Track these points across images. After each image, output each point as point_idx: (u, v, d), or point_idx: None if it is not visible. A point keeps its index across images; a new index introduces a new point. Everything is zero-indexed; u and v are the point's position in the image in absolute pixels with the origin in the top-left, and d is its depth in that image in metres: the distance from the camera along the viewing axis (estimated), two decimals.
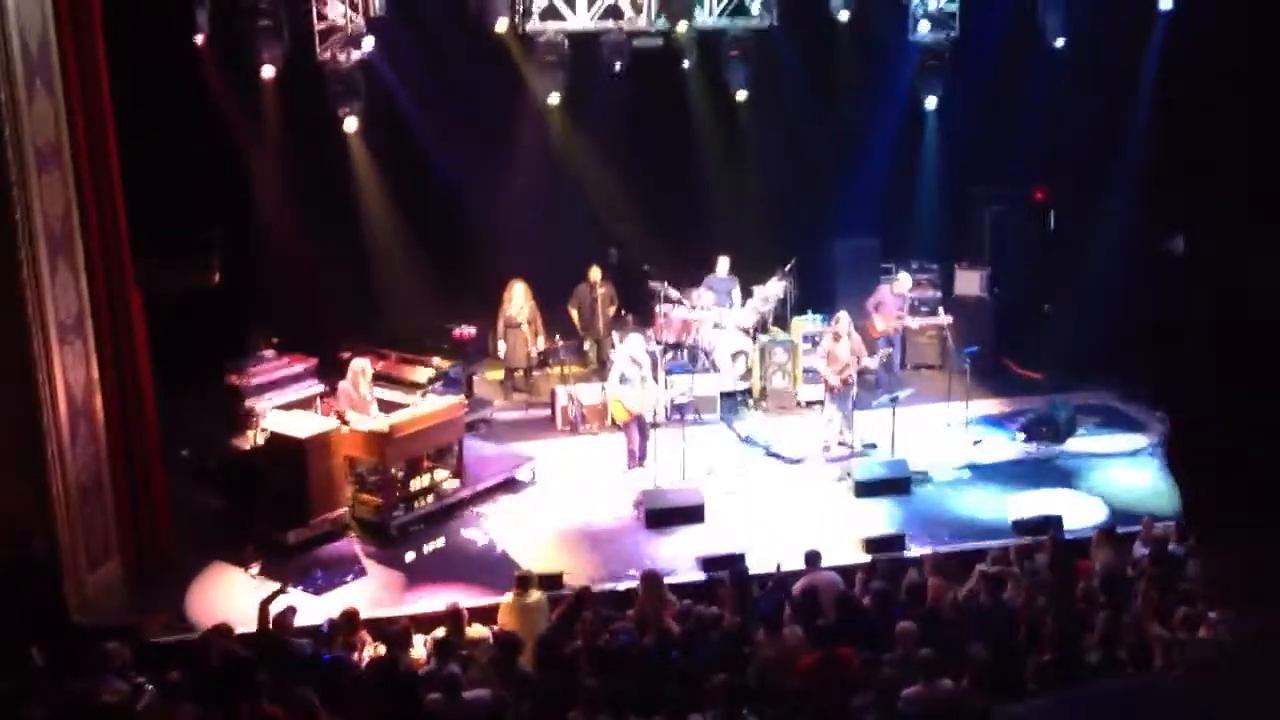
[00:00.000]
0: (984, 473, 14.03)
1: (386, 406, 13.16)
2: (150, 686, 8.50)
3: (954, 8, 17.10)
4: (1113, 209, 16.74)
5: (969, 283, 17.31)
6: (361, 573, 11.90)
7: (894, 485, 13.46)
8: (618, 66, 16.23)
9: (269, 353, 13.91)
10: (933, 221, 17.94)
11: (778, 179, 17.91)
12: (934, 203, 18.04)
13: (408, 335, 15.15)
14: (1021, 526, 11.99)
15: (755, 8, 16.79)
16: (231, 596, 11.26)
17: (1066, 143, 17.34)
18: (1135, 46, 16.74)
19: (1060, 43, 16.70)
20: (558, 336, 16.28)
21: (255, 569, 11.54)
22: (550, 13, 16.13)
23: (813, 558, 10.63)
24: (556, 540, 12.52)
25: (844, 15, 16.56)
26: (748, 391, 15.99)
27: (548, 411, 15.41)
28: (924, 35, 17.13)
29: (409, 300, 16.58)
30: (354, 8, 14.91)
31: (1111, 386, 15.89)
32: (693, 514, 12.81)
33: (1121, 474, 13.84)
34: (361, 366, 13.16)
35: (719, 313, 16.13)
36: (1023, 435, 14.78)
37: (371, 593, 11.47)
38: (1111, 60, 16.81)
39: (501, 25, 15.55)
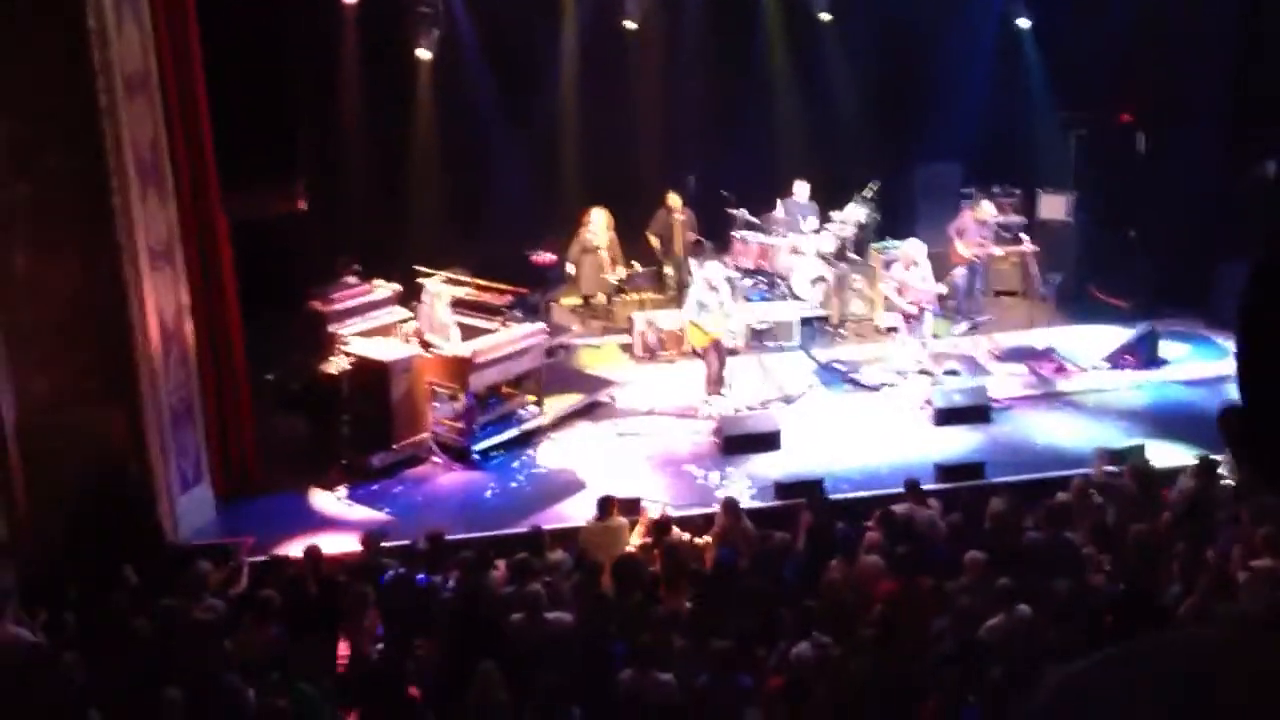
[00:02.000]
0: (1067, 401, 13.89)
1: (468, 332, 13.28)
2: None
3: None
4: (1202, 133, 16.31)
5: (1053, 207, 17.02)
6: (439, 495, 12.10)
7: (973, 413, 13.37)
8: None
9: (352, 279, 14.05)
10: (1017, 145, 17.58)
11: (859, 102, 17.65)
12: (1019, 125, 17.65)
13: (489, 261, 15.22)
14: (1105, 455, 11.81)
15: None
16: (319, 518, 11.53)
17: (1155, 65, 16.86)
18: None
19: None
20: (634, 263, 16.28)
21: (342, 491, 11.77)
22: None
23: (912, 485, 10.60)
24: (636, 465, 12.61)
25: None
26: (826, 318, 15.92)
27: (627, 338, 15.46)
28: None
29: (489, 227, 16.64)
30: None
31: (1198, 313, 15.60)
32: (770, 440, 12.83)
33: (1209, 400, 13.62)
34: (437, 289, 13.27)
35: (798, 238, 16.03)
36: (1108, 364, 14.59)
37: (454, 516, 11.65)
38: None
39: None
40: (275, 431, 12.99)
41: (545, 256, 15.73)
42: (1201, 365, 14.62)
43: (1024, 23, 17.09)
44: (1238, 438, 1.31)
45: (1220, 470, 10.27)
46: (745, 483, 12.00)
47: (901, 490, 10.63)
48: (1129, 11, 16.59)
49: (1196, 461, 10.44)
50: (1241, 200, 16.04)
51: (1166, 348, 14.82)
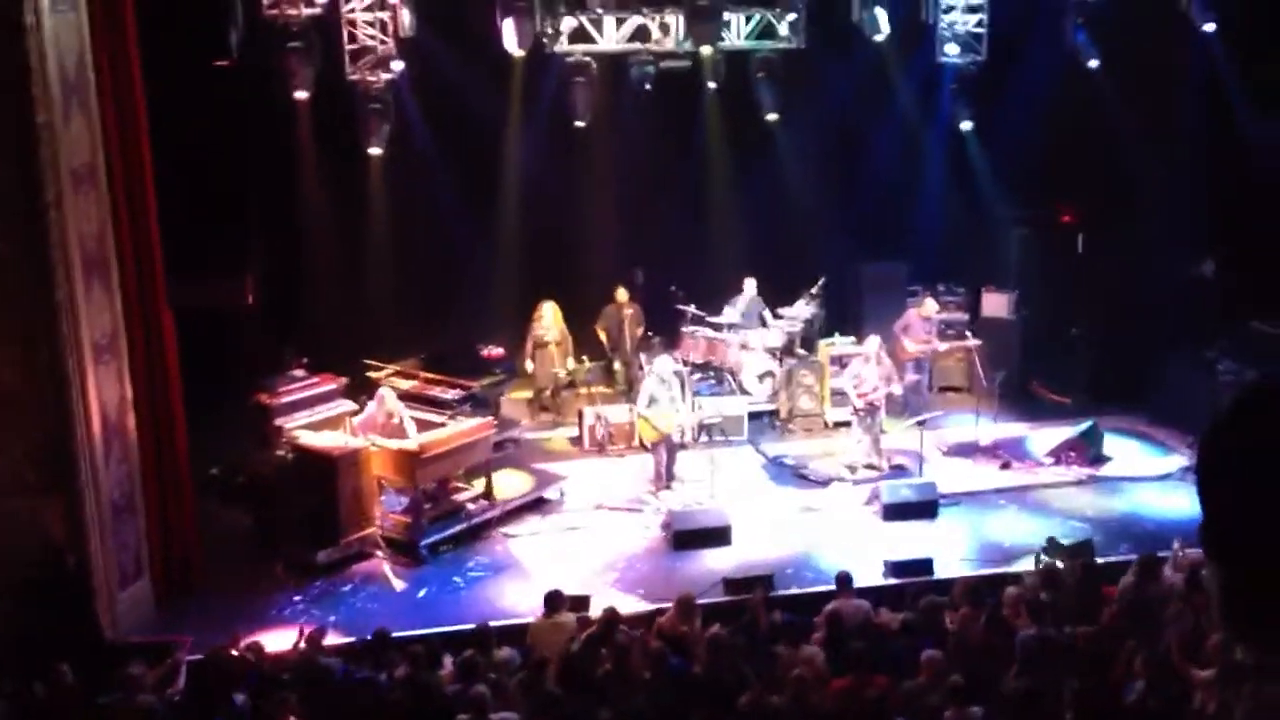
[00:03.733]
0: (1013, 496, 13.98)
1: (417, 426, 13.21)
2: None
3: (981, 30, 17.08)
4: (1141, 232, 16.69)
5: (996, 305, 17.28)
6: (386, 592, 11.94)
7: (921, 508, 13.42)
8: (646, 88, 16.26)
9: (299, 372, 13.97)
10: (962, 244, 17.89)
11: (806, 202, 17.91)
12: (963, 225, 17.97)
13: (437, 356, 15.22)
14: (1053, 549, 11.90)
15: (783, 29, 16.80)
16: (262, 615, 11.31)
17: (1095, 165, 17.28)
18: (1169, 69, 16.71)
19: (1094, 64, 16.63)
20: (584, 357, 16.33)
21: (286, 587, 11.58)
22: (579, 35, 16.20)
23: (844, 580, 10.57)
24: (585, 560, 12.53)
25: (877, 37, 16.54)
26: (775, 413, 16.00)
27: (575, 431, 15.44)
28: (951, 57, 17.11)
29: (439, 321, 16.64)
30: (384, 29, 15.01)
31: (1140, 410, 15.81)
32: (720, 535, 12.81)
33: (1152, 498, 13.78)
34: (386, 383, 13.24)
35: (746, 334, 16.16)
36: (1051, 459, 14.72)
37: (400, 612, 11.48)
38: (1145, 82, 16.74)
39: (525, 48, 15.56)
40: (218, 526, 12.79)
41: (494, 350, 15.73)
42: (1144, 462, 14.79)
43: (967, 125, 17.44)
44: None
45: (1163, 569, 10.32)
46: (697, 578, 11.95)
47: (851, 585, 10.60)
48: (1069, 113, 17.01)
49: (1138, 559, 10.50)
50: (1181, 298, 16.38)
51: (1110, 444, 14.97)
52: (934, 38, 17.01)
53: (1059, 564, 11.13)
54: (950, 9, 16.98)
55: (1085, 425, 14.98)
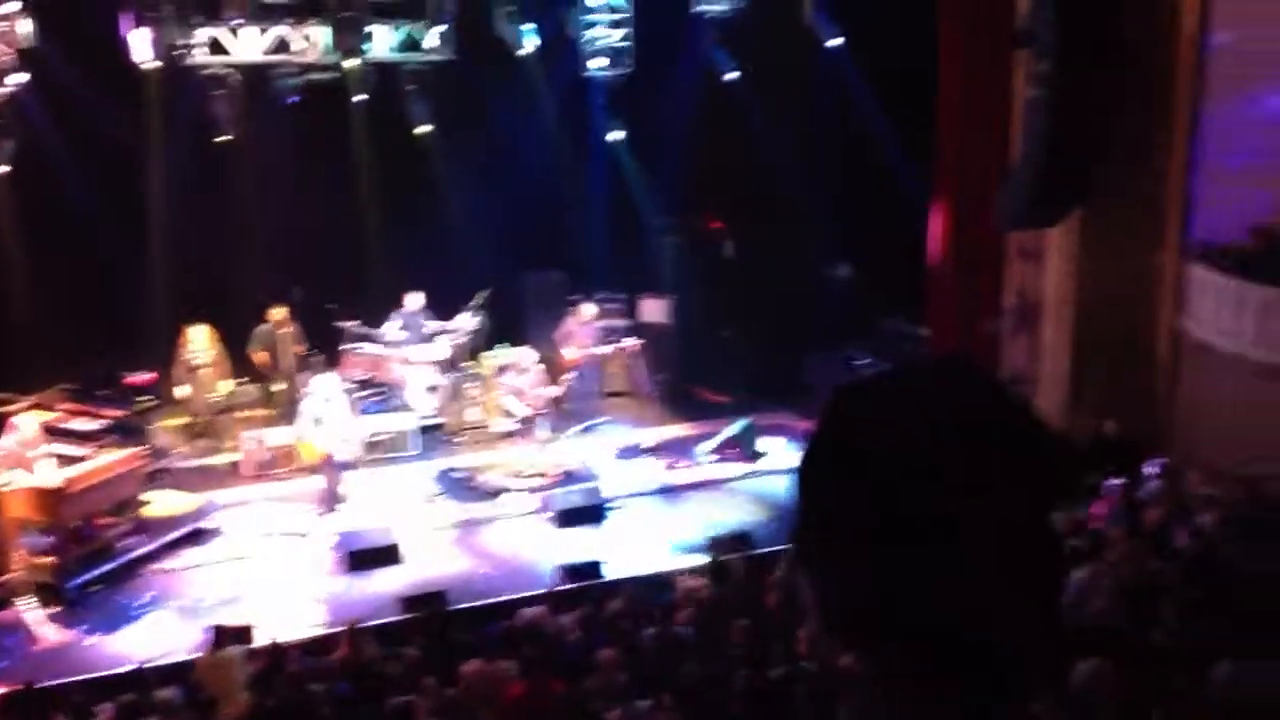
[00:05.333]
0: (678, 495, 14.41)
1: (60, 461, 12.38)
2: None
3: (627, 44, 17.56)
4: (784, 237, 17.56)
5: (653, 311, 17.78)
6: (31, 641, 11.13)
7: (590, 513, 13.65)
8: (291, 100, 15.86)
9: None
10: (617, 253, 18.30)
11: (464, 213, 17.86)
12: (619, 234, 18.40)
13: (80, 385, 14.32)
14: (716, 544, 12.35)
15: (431, 41, 16.73)
16: None
17: (740, 173, 18.06)
18: (802, 81, 17.69)
19: (732, 76, 17.39)
20: (241, 380, 15.75)
21: None
22: (218, 47, 15.63)
23: (530, 590, 10.64)
24: (251, 590, 12.07)
25: (521, 50, 16.74)
26: (442, 426, 15.91)
27: (234, 457, 14.87)
28: (598, 70, 17.51)
29: (81, 348, 15.61)
30: (4, 40, 14.02)
31: (789, 406, 16.60)
32: (391, 554, 12.62)
33: None
34: (23, 416, 12.34)
35: (410, 349, 16.00)
36: (713, 457, 15.27)
37: (51, 661, 10.72)
38: (780, 94, 17.65)
39: (157, 60, 14.87)
40: None
41: (142, 377, 14.93)
42: (791, 456, 15.55)
43: (617, 135, 17.87)
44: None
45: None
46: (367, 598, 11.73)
47: (525, 595, 10.68)
48: (715, 124, 17.72)
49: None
50: (823, 299, 17.36)
51: (763, 440, 15.65)
52: (580, 51, 17.38)
53: (723, 558, 11.55)
54: (594, 24, 17.39)
55: (742, 423, 15.61)
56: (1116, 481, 11.45)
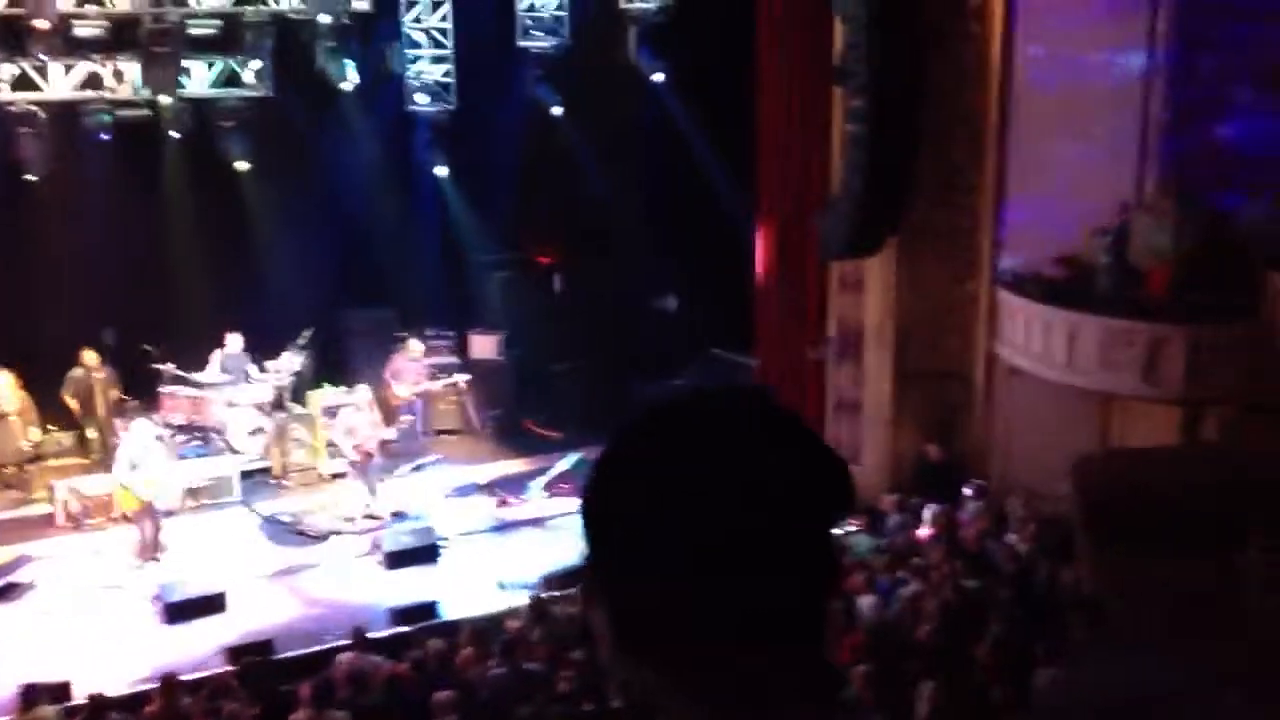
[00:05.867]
0: (512, 531, 14.29)
1: None
2: None
3: (449, 80, 17.50)
4: (613, 270, 17.68)
5: (484, 347, 17.67)
6: None
7: (423, 553, 13.45)
8: (103, 137, 15.36)
9: None
10: (445, 289, 18.15)
11: (287, 251, 17.45)
12: (447, 270, 18.26)
13: None
14: (548, 581, 12.29)
15: (249, 77, 16.39)
16: None
17: (568, 208, 18.12)
18: (627, 116, 17.86)
19: (557, 112, 17.47)
20: (50, 427, 15.14)
21: None
22: (23, 83, 15.07)
23: (357, 635, 10.42)
24: (66, 646, 11.54)
25: (344, 85, 16.52)
26: (268, 469, 15.50)
27: (46, 508, 14.24)
28: (422, 106, 17.41)
29: None
30: None
31: None
32: (215, 603, 12.23)
33: None
34: None
35: (231, 390, 15.57)
36: (546, 493, 15.20)
37: None
38: (606, 129, 17.78)
39: None
40: None
41: None
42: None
43: (442, 171, 17.77)
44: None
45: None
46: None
47: (348, 641, 10.47)
48: (541, 159, 17.73)
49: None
50: (652, 330, 17.50)
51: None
52: (403, 87, 17.25)
53: (544, 596, 11.48)
54: (416, 59, 17.30)
55: (574, 458, 15.59)
56: (938, 505, 11.78)
